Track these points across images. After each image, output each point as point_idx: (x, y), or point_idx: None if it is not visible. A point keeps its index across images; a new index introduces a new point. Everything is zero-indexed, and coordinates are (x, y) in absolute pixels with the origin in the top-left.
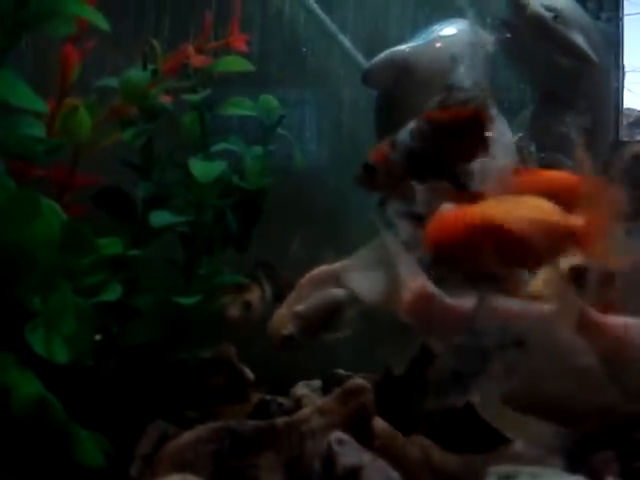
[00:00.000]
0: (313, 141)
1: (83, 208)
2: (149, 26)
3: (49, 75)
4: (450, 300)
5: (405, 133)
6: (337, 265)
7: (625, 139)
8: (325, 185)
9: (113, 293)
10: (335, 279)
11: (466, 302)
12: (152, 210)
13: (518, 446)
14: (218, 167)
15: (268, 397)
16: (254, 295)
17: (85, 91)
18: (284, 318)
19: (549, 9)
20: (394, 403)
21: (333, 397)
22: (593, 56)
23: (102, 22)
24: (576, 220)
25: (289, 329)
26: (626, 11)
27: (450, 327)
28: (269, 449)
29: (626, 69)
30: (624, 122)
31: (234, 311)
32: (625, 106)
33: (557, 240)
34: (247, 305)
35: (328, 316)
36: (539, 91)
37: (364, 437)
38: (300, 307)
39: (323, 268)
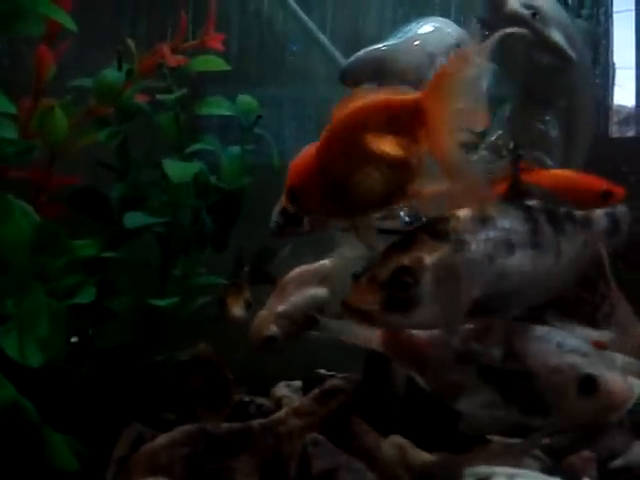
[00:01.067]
0: (292, 138)
1: (61, 208)
2: (125, 26)
3: (25, 75)
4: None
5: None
6: (318, 265)
7: (615, 136)
8: None
9: (87, 295)
10: (316, 279)
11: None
12: (128, 211)
13: (495, 446)
14: (193, 167)
15: (247, 398)
16: (249, 294)
17: (61, 91)
18: (266, 319)
19: (527, 6)
20: (373, 403)
21: (310, 398)
22: (572, 53)
23: (70, 23)
24: (413, 95)
25: (272, 330)
26: (616, 8)
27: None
28: (245, 451)
29: (617, 66)
30: (615, 119)
31: (238, 311)
32: (616, 103)
33: (395, 120)
34: (248, 304)
35: (310, 316)
36: (518, 88)
37: (341, 438)
38: (282, 307)
39: (304, 268)
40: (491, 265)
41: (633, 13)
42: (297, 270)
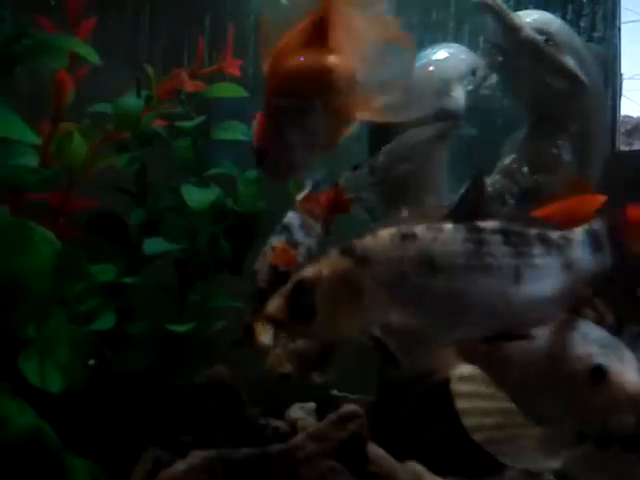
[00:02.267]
0: None
1: (79, 232)
2: (142, 51)
3: (44, 99)
4: None
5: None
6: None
7: (624, 148)
8: None
9: (107, 321)
10: None
11: None
12: (146, 236)
13: (511, 473)
14: (212, 193)
15: (262, 421)
16: None
17: (79, 116)
18: (280, 357)
19: (541, 32)
20: (388, 426)
21: (327, 423)
22: (585, 78)
23: (92, 56)
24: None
25: (287, 368)
26: (623, 19)
27: None
28: (263, 477)
29: (624, 76)
30: (622, 130)
31: (266, 338)
32: (623, 114)
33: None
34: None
35: (323, 351)
36: (532, 113)
37: (358, 463)
38: (295, 345)
39: None
40: (404, 284)
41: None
42: None
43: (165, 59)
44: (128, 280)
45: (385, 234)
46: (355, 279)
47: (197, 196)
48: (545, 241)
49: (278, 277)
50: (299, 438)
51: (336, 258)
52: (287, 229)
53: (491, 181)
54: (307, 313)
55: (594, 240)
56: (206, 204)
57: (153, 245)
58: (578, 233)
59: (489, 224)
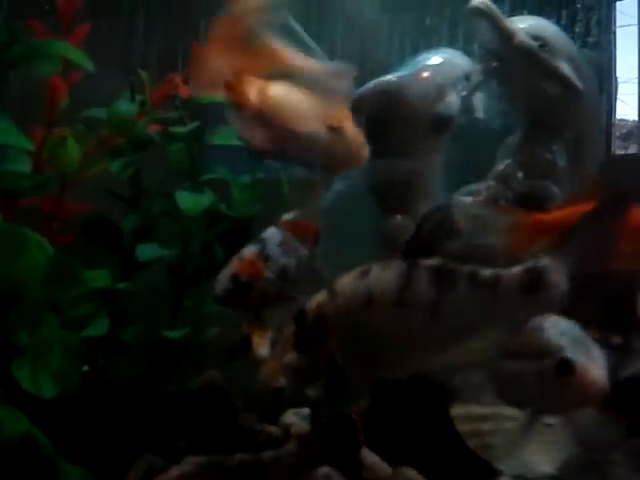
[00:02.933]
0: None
1: (72, 237)
2: (136, 56)
3: (38, 104)
4: None
5: (275, 247)
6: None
7: (619, 152)
8: None
9: (100, 327)
10: None
11: None
12: (140, 241)
13: (505, 478)
14: (205, 199)
15: (257, 426)
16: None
17: (73, 121)
18: (273, 370)
19: (535, 38)
20: (382, 432)
21: (321, 429)
22: (579, 84)
23: (86, 62)
24: None
25: (281, 381)
26: (619, 22)
27: None
28: None
29: (619, 80)
30: (617, 133)
31: (264, 350)
32: (618, 117)
33: None
34: (273, 342)
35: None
36: (526, 118)
37: (351, 469)
38: (289, 357)
39: None
40: (352, 316)
41: (636, 27)
42: None
43: (160, 64)
44: (122, 286)
45: (355, 270)
46: (326, 312)
47: (191, 202)
48: (473, 280)
49: (238, 287)
50: (292, 444)
51: (322, 292)
52: (262, 242)
53: (485, 187)
54: (302, 344)
55: (532, 280)
56: (199, 210)
57: (146, 251)
58: (512, 273)
59: (426, 262)
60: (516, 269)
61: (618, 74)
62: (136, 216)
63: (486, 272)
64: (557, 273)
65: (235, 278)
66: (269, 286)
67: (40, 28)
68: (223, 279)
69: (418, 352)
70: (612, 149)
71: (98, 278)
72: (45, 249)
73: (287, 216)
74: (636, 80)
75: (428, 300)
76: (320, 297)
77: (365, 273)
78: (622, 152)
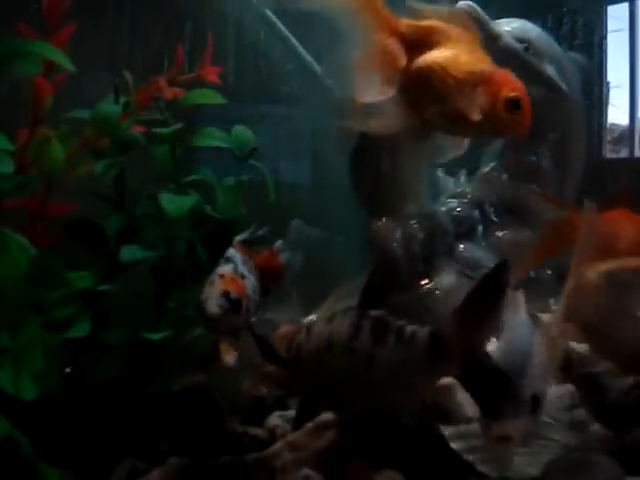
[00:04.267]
0: (288, 171)
1: (56, 237)
2: (122, 57)
3: (23, 104)
4: None
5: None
6: (305, 322)
7: (610, 156)
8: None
9: (82, 329)
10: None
11: None
12: (123, 243)
13: None
14: (189, 201)
15: (241, 429)
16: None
17: (57, 121)
18: (256, 379)
19: (520, 41)
20: (366, 436)
21: (304, 432)
22: (564, 86)
23: (67, 63)
24: None
25: (262, 391)
26: (610, 27)
27: None
28: None
29: (611, 85)
30: (609, 137)
31: (229, 359)
32: (610, 121)
33: None
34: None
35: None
36: None
37: (335, 472)
38: (271, 367)
39: (290, 326)
40: (316, 358)
41: (627, 32)
42: (284, 328)
43: (145, 65)
44: (104, 287)
45: (327, 311)
46: (303, 349)
47: (175, 203)
48: (399, 334)
49: (231, 304)
50: (276, 447)
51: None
52: (231, 261)
53: (471, 189)
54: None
55: (436, 344)
56: (183, 211)
57: (129, 252)
58: (423, 333)
59: (374, 312)
60: (425, 330)
61: (610, 79)
62: (120, 217)
63: (409, 328)
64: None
65: (226, 295)
66: (250, 303)
67: (26, 30)
68: (213, 298)
69: (362, 395)
70: (603, 153)
71: (81, 279)
72: (26, 250)
73: (239, 238)
74: (627, 85)
75: (367, 350)
76: (300, 335)
77: (331, 318)
78: (613, 156)
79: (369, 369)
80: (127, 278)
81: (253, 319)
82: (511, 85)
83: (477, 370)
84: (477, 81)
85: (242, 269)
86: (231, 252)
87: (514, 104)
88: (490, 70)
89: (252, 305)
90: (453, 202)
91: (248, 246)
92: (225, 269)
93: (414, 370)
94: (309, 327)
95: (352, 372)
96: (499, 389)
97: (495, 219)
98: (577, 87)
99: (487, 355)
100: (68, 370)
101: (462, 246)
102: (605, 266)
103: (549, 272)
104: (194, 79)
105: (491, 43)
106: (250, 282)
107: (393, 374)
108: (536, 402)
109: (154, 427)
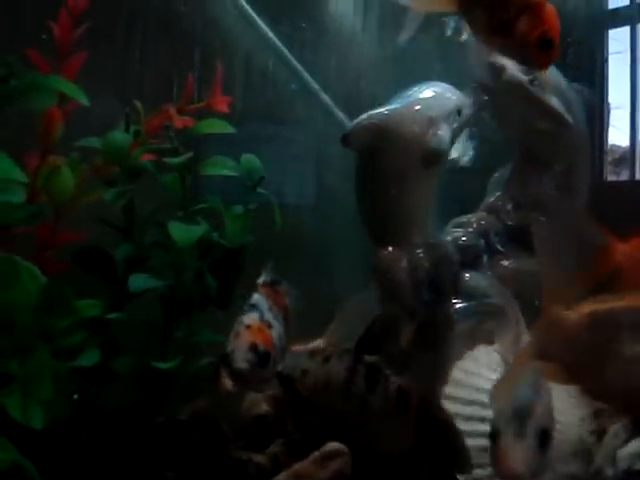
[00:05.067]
0: (294, 196)
1: (65, 265)
2: (132, 86)
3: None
4: None
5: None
6: (311, 344)
7: (611, 178)
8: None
9: (91, 358)
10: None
11: None
12: (132, 271)
13: None
14: (198, 230)
15: (245, 456)
16: None
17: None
18: (257, 398)
19: (526, 72)
20: (373, 464)
21: (310, 460)
22: (568, 118)
23: (80, 96)
24: None
25: (264, 409)
26: (611, 49)
27: None
28: None
29: (611, 106)
30: (610, 159)
31: (229, 383)
32: (610, 143)
33: None
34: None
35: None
36: (517, 151)
37: None
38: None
39: (297, 347)
40: (317, 399)
41: (628, 54)
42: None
43: (155, 94)
44: (113, 316)
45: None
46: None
47: (183, 232)
48: (386, 386)
49: (259, 357)
50: (281, 476)
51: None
52: (257, 308)
53: (476, 218)
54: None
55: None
56: (192, 240)
57: (138, 281)
58: (393, 386)
59: (367, 359)
60: (395, 383)
61: (610, 100)
62: (129, 245)
63: (393, 379)
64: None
65: (254, 348)
66: (277, 353)
67: (38, 58)
68: (240, 352)
69: (354, 434)
70: (604, 175)
71: (89, 307)
72: (37, 278)
73: (261, 280)
74: (628, 106)
75: (361, 395)
76: (296, 375)
77: (326, 360)
78: (614, 178)
79: (362, 412)
80: (135, 306)
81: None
82: (550, 24)
83: (429, 424)
84: (526, 4)
85: (268, 316)
86: (256, 298)
87: (545, 44)
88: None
89: (279, 354)
90: (459, 231)
91: (271, 287)
92: (251, 318)
93: (387, 419)
94: (303, 369)
95: (348, 413)
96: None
97: (500, 248)
98: (582, 118)
99: (440, 408)
100: (76, 397)
101: (467, 275)
102: (588, 307)
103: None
104: (204, 108)
105: (497, 75)
106: (277, 330)
107: (377, 419)
108: (545, 437)
109: (160, 455)
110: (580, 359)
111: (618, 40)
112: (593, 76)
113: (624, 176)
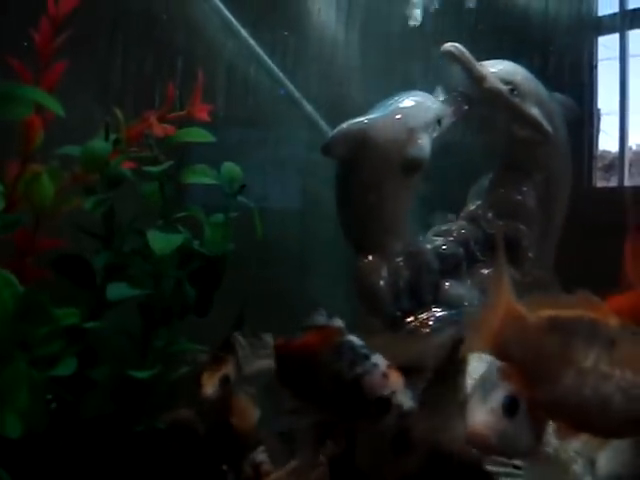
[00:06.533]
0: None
1: (44, 272)
2: (113, 94)
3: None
4: None
5: None
6: None
7: (600, 185)
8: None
9: (68, 367)
10: None
11: None
12: (111, 279)
13: None
14: (177, 239)
15: (225, 466)
16: (230, 367)
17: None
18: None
19: (506, 82)
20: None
21: (288, 471)
22: (548, 128)
23: (57, 108)
24: None
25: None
26: (601, 56)
27: None
28: None
29: (602, 112)
30: (600, 165)
31: (209, 390)
32: (601, 149)
33: None
34: (225, 380)
35: None
36: (497, 160)
37: None
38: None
39: None
40: None
41: (617, 60)
42: None
43: (138, 102)
44: (91, 324)
45: None
46: None
47: (162, 241)
48: None
49: None
50: None
51: None
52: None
53: (456, 226)
54: None
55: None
56: (171, 249)
57: (116, 290)
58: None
59: None
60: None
61: (600, 106)
62: (108, 253)
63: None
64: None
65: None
66: None
67: (19, 66)
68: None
69: None
70: (593, 181)
71: (67, 316)
72: (13, 286)
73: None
74: (617, 112)
75: None
76: None
77: None
78: (604, 184)
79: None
80: (114, 315)
81: None
82: None
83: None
84: None
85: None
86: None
87: None
88: None
89: None
90: (439, 239)
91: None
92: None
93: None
94: None
95: None
96: None
97: (481, 257)
98: (563, 128)
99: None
100: (54, 406)
101: (447, 283)
102: (546, 311)
103: None
104: (184, 117)
105: (477, 84)
106: None
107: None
108: (513, 406)
109: (139, 465)
110: (536, 364)
111: (608, 47)
112: (583, 82)
113: (614, 182)
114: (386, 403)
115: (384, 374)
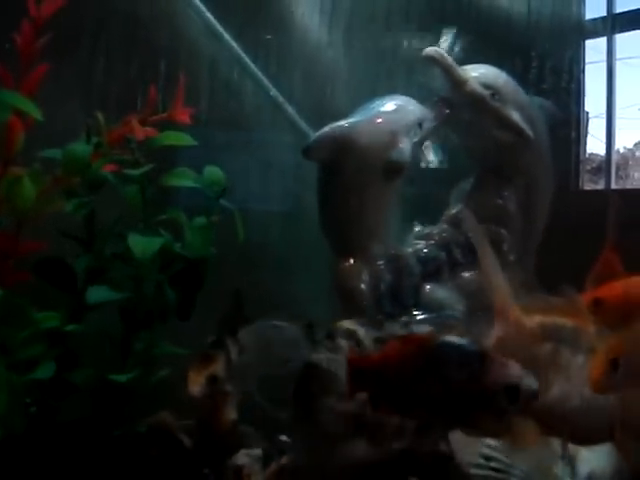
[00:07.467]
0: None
1: (26, 276)
2: (95, 96)
3: None
4: None
5: None
6: None
7: (588, 187)
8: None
9: (47, 370)
10: None
11: None
12: (92, 282)
13: None
14: (157, 242)
15: (206, 470)
16: (219, 366)
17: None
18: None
19: (487, 87)
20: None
21: (270, 473)
22: (529, 132)
23: (36, 113)
24: None
25: (233, 414)
26: (589, 59)
27: None
28: None
29: (590, 115)
30: (587, 167)
31: (195, 389)
32: (588, 152)
33: None
34: (212, 379)
35: None
36: (478, 165)
37: None
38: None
39: None
40: None
41: (604, 64)
42: None
43: (120, 105)
44: (71, 327)
45: None
46: None
47: (142, 244)
48: None
49: None
50: None
51: None
52: None
53: (438, 230)
54: None
55: None
56: (151, 253)
57: (97, 293)
58: None
59: None
60: None
61: (588, 109)
62: (89, 256)
63: None
64: None
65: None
66: None
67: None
68: None
69: None
70: (581, 184)
71: (48, 319)
72: None
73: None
74: (604, 115)
75: None
76: None
77: None
78: (591, 187)
79: None
80: (94, 318)
81: None
82: None
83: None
84: None
85: None
86: None
87: None
88: None
89: None
90: (420, 243)
91: None
92: None
93: None
94: None
95: None
96: None
97: (462, 260)
98: (544, 133)
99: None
100: (33, 409)
101: (428, 287)
102: (538, 317)
103: None
104: (165, 120)
105: (458, 88)
106: None
107: None
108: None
109: (118, 468)
110: (529, 368)
111: (595, 50)
112: (570, 86)
113: (601, 185)
114: (516, 390)
115: (502, 363)
